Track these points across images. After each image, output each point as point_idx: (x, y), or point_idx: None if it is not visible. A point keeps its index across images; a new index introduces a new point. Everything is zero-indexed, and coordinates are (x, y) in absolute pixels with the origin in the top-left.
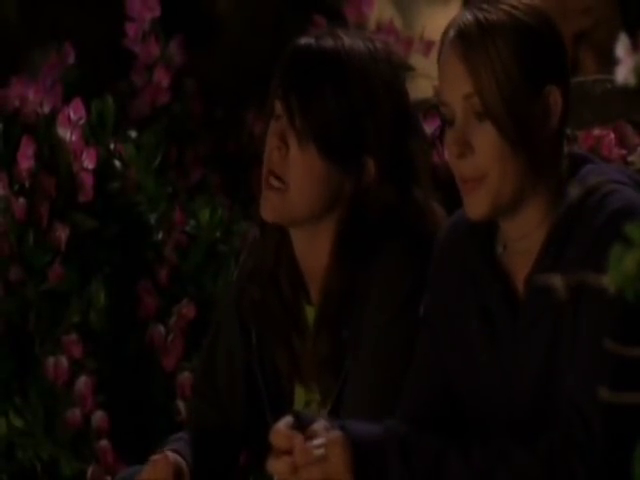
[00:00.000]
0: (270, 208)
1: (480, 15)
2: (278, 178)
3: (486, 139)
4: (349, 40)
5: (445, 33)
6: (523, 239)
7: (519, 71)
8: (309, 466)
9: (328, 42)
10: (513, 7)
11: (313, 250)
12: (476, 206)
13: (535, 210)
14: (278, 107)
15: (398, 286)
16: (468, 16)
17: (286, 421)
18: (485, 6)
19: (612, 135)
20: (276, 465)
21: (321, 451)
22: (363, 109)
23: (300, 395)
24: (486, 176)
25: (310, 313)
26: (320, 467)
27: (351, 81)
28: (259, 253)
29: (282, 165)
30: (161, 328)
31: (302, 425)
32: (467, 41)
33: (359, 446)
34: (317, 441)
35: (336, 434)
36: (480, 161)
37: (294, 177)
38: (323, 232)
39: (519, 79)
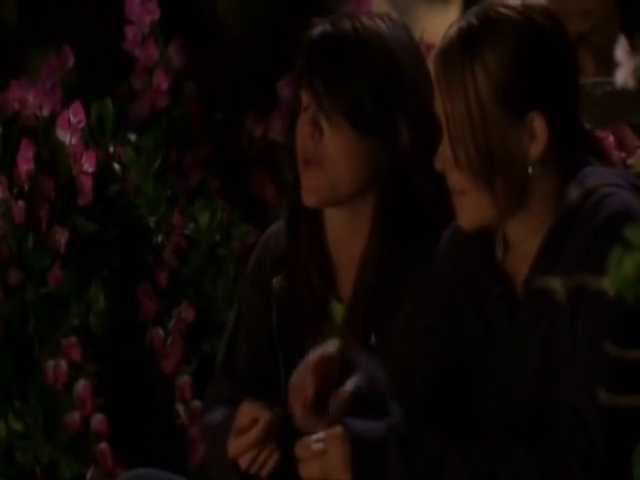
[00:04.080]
0: (313, 192)
1: (467, 32)
2: (316, 163)
3: (457, 163)
4: (364, 17)
5: (437, 45)
6: (524, 242)
7: (496, 99)
8: (308, 460)
9: (344, 22)
10: (511, 21)
11: (351, 235)
12: (462, 217)
13: (534, 215)
14: (305, 98)
15: None
16: (454, 31)
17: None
18: (476, 20)
19: (611, 138)
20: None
21: (320, 445)
22: (388, 77)
23: None
24: (465, 192)
25: (337, 310)
26: (319, 462)
27: (371, 52)
28: (288, 243)
29: (317, 150)
30: (160, 331)
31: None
32: (446, 62)
33: (359, 443)
34: (316, 435)
35: (336, 429)
36: (458, 178)
37: (332, 157)
38: (363, 212)
39: (494, 108)
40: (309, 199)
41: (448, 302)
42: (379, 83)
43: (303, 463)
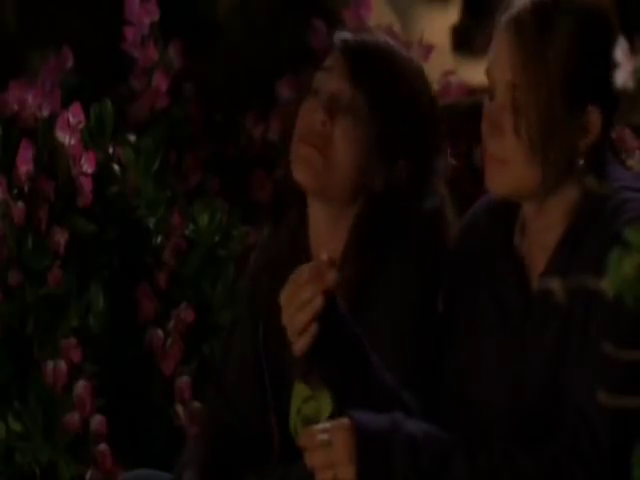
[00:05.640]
0: (306, 164)
1: (542, 10)
2: (316, 146)
3: (517, 131)
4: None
5: (505, 6)
6: (543, 232)
7: (561, 85)
8: (313, 450)
9: (377, 39)
10: (577, 5)
11: (332, 237)
12: (496, 183)
13: (559, 203)
14: (317, 81)
15: (412, 287)
16: (529, 4)
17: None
18: None
19: None
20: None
21: (325, 436)
22: (410, 108)
23: (299, 391)
24: (509, 162)
25: None
26: (323, 452)
27: (404, 79)
28: (273, 246)
29: (323, 137)
30: (160, 332)
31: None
32: (519, 37)
33: (364, 435)
34: (322, 425)
35: (342, 420)
36: (507, 147)
37: (339, 150)
38: (345, 218)
39: (561, 92)
40: (300, 172)
41: (464, 285)
42: (405, 111)
43: (308, 453)
